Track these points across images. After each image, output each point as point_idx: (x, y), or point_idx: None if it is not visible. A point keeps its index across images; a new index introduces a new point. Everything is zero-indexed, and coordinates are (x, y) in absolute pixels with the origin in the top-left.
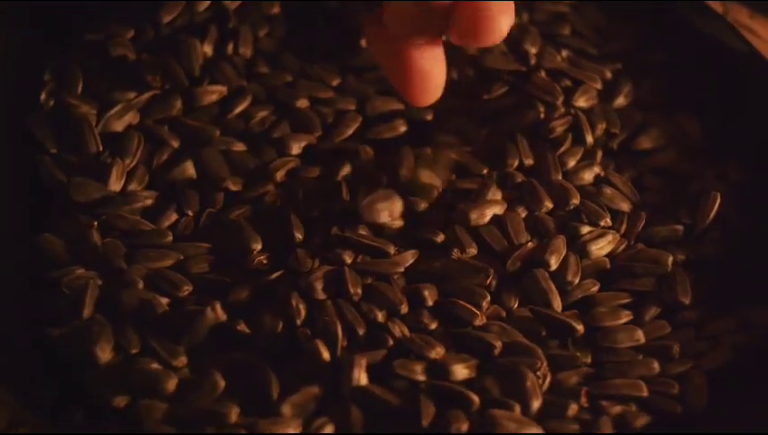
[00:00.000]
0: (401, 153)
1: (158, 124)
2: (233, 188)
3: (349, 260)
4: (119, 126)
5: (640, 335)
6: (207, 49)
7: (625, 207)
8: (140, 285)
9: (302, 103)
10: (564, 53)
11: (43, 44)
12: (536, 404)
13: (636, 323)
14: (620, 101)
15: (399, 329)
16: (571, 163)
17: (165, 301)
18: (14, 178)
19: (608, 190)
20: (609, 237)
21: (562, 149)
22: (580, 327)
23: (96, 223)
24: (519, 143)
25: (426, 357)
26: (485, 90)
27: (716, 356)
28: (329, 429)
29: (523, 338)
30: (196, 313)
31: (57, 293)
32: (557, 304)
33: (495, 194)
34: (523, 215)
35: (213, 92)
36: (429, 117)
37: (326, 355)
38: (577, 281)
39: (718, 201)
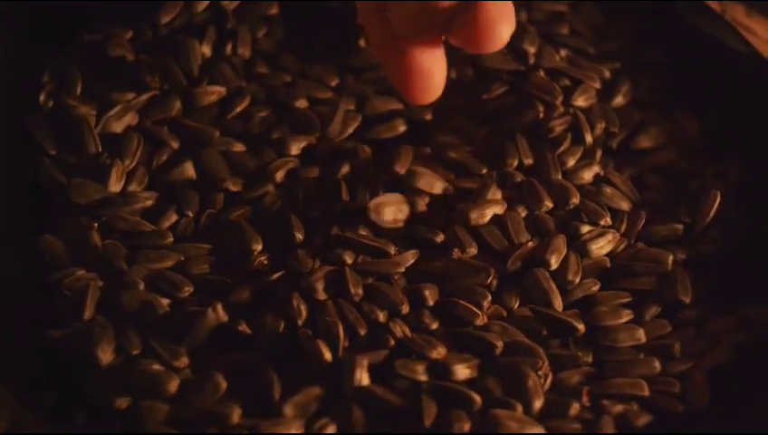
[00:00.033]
0: (399, 151)
1: (157, 125)
2: (233, 188)
3: (349, 260)
4: (118, 127)
5: (641, 334)
6: (206, 49)
7: (625, 206)
8: (141, 286)
9: (302, 104)
10: (563, 52)
11: (42, 45)
12: (538, 404)
13: (636, 323)
14: (619, 100)
15: (401, 329)
16: (571, 162)
17: (166, 302)
18: (13, 179)
19: (607, 189)
20: (610, 237)
21: (562, 148)
22: (581, 326)
23: (96, 224)
24: (518, 143)
25: (427, 357)
26: (485, 89)
27: (717, 355)
28: (331, 429)
29: (525, 338)
30: (197, 313)
31: (58, 294)
32: (558, 303)
33: (495, 194)
34: (524, 214)
35: (212, 93)
36: (429, 117)
37: (328, 356)
38: (577, 280)
39: (718, 200)
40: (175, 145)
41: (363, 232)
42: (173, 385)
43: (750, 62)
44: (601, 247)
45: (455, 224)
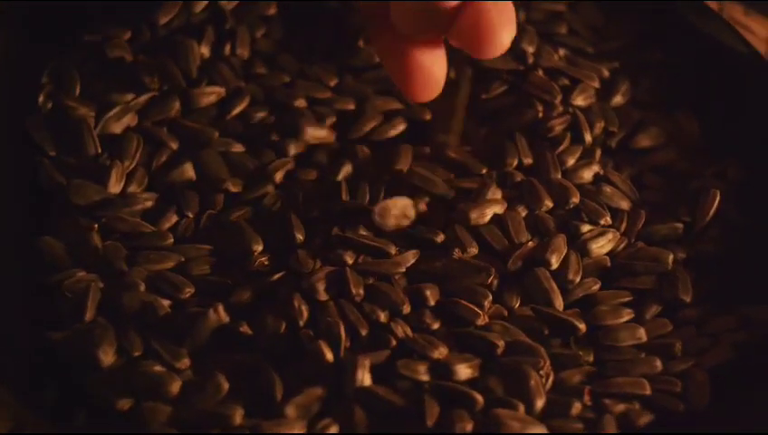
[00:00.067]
0: (399, 151)
1: (156, 126)
2: (233, 189)
3: (350, 261)
4: (117, 128)
5: (642, 333)
6: (205, 50)
7: (624, 205)
8: (142, 287)
9: (301, 104)
10: (561, 51)
11: (42, 45)
12: (540, 403)
13: (637, 322)
14: (618, 99)
15: (402, 329)
16: (571, 162)
17: (167, 303)
18: (13, 180)
19: (607, 189)
20: (610, 236)
21: (561, 147)
22: (581, 326)
23: (96, 225)
24: (518, 142)
25: (429, 357)
26: (484, 89)
27: (717, 354)
28: (333, 429)
29: (526, 337)
30: (198, 314)
31: (58, 296)
32: (558, 302)
33: (495, 193)
34: (524, 214)
35: (211, 94)
36: (428, 116)
37: (329, 356)
38: (578, 280)
39: (718, 199)
40: (174, 146)
41: (363, 232)
42: (175, 386)
43: (750, 62)
44: (602, 247)
45: (455, 224)
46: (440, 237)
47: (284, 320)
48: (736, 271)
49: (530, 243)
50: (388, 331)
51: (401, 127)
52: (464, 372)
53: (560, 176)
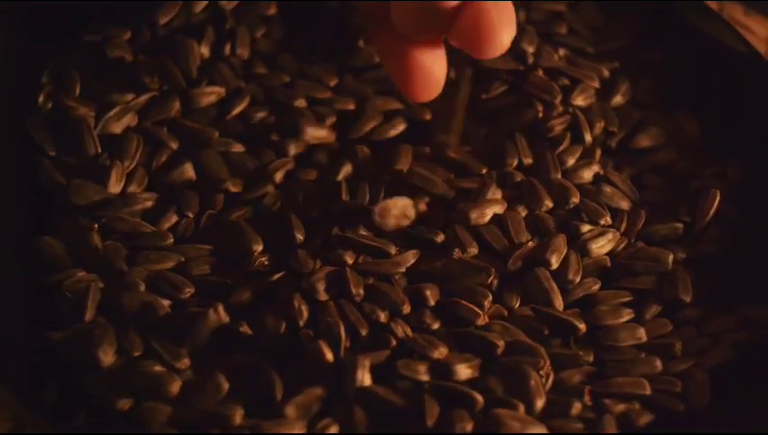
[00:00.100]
0: (399, 151)
1: (156, 126)
2: (233, 189)
3: (350, 261)
4: (117, 128)
5: (642, 333)
6: (204, 50)
7: (624, 205)
8: (142, 287)
9: (301, 104)
10: (561, 51)
11: (42, 45)
12: (540, 403)
13: (637, 322)
14: (618, 99)
15: (402, 329)
16: (570, 162)
17: (167, 303)
18: (13, 180)
19: (607, 189)
20: (610, 236)
21: (561, 147)
22: (581, 326)
23: (96, 225)
24: (518, 142)
25: (429, 357)
26: (484, 89)
27: (717, 354)
28: (333, 429)
29: (526, 337)
30: (198, 314)
31: (58, 296)
32: (558, 302)
33: (495, 193)
34: (524, 214)
35: (211, 94)
36: (428, 116)
37: (329, 356)
38: (578, 280)
39: (717, 199)
40: (174, 146)
41: (363, 232)
42: (175, 386)
43: (750, 62)
44: (602, 247)
45: (455, 224)
46: (440, 237)
47: (284, 320)
48: (736, 271)
49: (530, 243)
50: (388, 331)
51: (401, 127)
52: (464, 372)
53: (560, 176)
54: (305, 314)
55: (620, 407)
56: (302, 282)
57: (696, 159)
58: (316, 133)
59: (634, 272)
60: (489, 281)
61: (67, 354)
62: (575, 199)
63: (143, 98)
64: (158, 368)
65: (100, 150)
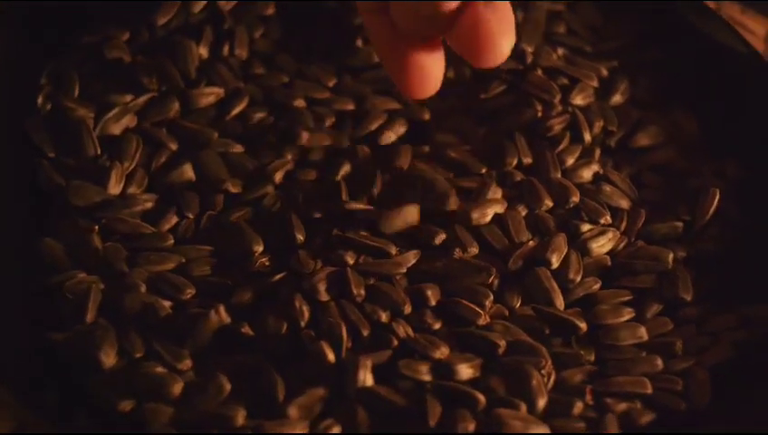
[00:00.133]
0: (399, 150)
1: (155, 127)
2: (232, 189)
3: (351, 261)
4: (116, 129)
5: (643, 332)
6: (203, 51)
7: (624, 204)
8: (143, 288)
9: (300, 104)
10: (560, 51)
11: (41, 45)
12: (542, 403)
13: (638, 321)
14: (617, 98)
15: (403, 329)
16: (570, 161)
17: (168, 304)
18: (13, 181)
19: (607, 188)
20: (610, 235)
21: (561, 147)
22: (582, 325)
23: (96, 227)
24: (517, 142)
25: (430, 357)
26: (483, 89)
27: (717, 353)
28: (335, 430)
29: (527, 337)
30: (199, 315)
31: (59, 297)
32: (559, 302)
33: (496, 193)
34: (524, 213)
35: (210, 94)
36: (427, 116)
37: (331, 357)
38: (579, 279)
39: (717, 198)
40: (173, 147)
41: (364, 232)
42: (177, 388)
43: (748, 61)
44: (602, 246)
45: (455, 224)
46: (441, 237)
47: (286, 321)
48: (736, 269)
49: (530, 242)
50: (389, 331)
51: (402, 130)
52: (465, 371)
53: (559, 175)
54: (306, 314)
55: (622, 406)
56: (303, 282)
57: (696, 158)
58: (314, 138)
59: (634, 271)
60: (490, 281)
61: (69, 356)
62: (575, 199)
63: (142, 99)
64: (159, 369)
65: (99, 152)
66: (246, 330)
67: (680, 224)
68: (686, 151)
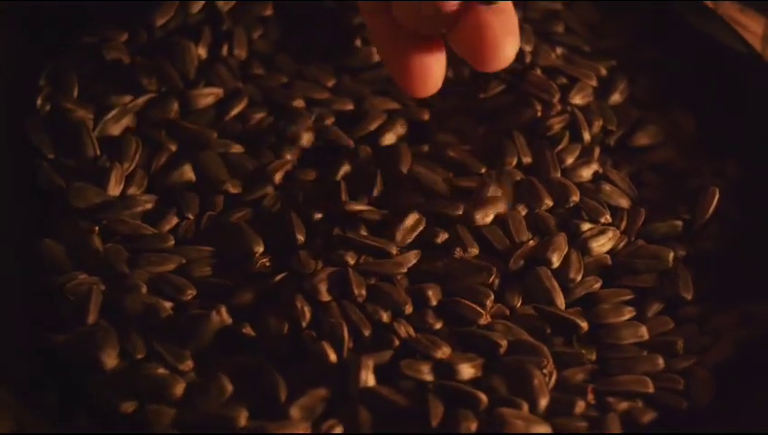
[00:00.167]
0: (399, 150)
1: (155, 128)
2: (232, 190)
3: (351, 261)
4: (116, 130)
5: (644, 331)
6: (202, 51)
7: (624, 203)
8: (144, 289)
9: (299, 104)
10: (559, 50)
11: (41, 46)
12: (544, 402)
13: (639, 320)
14: (616, 97)
15: (405, 329)
16: (570, 160)
17: (169, 305)
18: (13, 183)
19: (606, 187)
20: (610, 234)
21: (560, 146)
22: (584, 324)
23: (97, 228)
24: (517, 141)
25: (432, 357)
26: (482, 88)
27: (719, 351)
28: (338, 430)
29: (528, 336)
30: (200, 316)
31: (60, 299)
32: (560, 301)
33: (497, 192)
34: (524, 213)
35: (209, 95)
36: (427, 116)
37: (333, 357)
38: (579, 278)
39: (717, 196)
40: (173, 148)
41: (364, 232)
42: (179, 389)
43: (748, 61)
44: (602, 245)
45: (456, 224)
46: (441, 237)
47: (287, 321)
48: (737, 268)
49: (531, 242)
50: (390, 331)
51: (401, 130)
52: (467, 371)
53: (559, 175)
54: (308, 314)
55: (624, 405)
56: (304, 283)
57: (695, 157)
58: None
59: (635, 270)
60: (491, 280)
61: (70, 357)
62: (575, 198)
63: (141, 100)
64: (161, 370)
65: (99, 153)
66: (248, 330)
67: (680, 223)
68: (685, 151)
